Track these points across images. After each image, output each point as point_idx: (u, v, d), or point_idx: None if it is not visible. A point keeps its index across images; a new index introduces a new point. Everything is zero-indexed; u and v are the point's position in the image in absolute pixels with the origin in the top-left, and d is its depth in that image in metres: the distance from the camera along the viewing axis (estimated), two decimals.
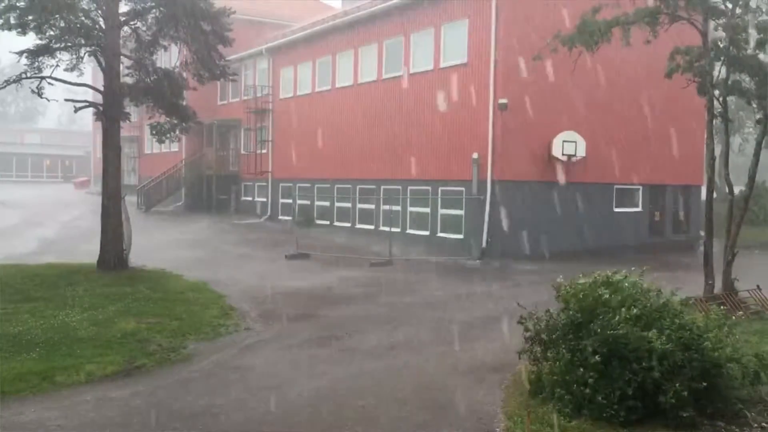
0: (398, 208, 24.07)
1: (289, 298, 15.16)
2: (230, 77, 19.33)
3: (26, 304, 12.98)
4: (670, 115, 23.86)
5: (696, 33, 14.05)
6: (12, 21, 15.92)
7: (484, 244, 20.96)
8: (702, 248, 15.06)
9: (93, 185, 51.00)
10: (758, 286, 13.68)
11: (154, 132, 18.98)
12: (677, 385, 7.07)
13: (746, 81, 14.44)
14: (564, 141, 21.34)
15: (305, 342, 11.42)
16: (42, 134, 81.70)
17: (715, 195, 15.02)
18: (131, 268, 17.36)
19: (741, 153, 33.74)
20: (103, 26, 17.30)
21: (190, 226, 29.08)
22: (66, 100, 18.87)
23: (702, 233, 17.73)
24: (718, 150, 19.94)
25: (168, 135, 18.90)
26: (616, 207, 23.68)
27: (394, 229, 22.42)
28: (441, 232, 22.81)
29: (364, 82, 26.61)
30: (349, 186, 27.14)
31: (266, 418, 7.89)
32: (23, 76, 16.87)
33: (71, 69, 17.45)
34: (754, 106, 15.05)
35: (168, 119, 18.63)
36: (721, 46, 13.91)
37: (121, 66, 18.17)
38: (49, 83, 17.07)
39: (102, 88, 17.74)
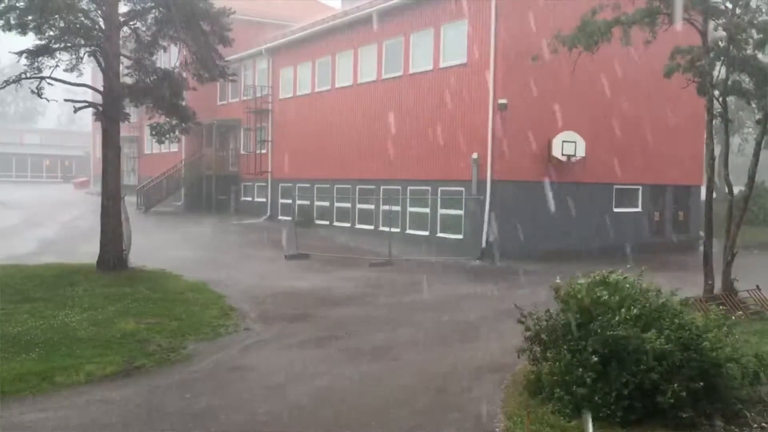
0: (398, 208, 24.07)
1: (288, 298, 15.16)
2: (230, 77, 19.31)
3: (26, 305, 12.98)
4: (670, 116, 23.84)
5: (696, 33, 14.06)
6: (12, 21, 15.91)
7: (483, 245, 20.97)
8: (702, 248, 15.06)
9: (92, 185, 50.98)
10: (758, 286, 13.69)
11: (153, 132, 18.97)
12: (675, 385, 7.07)
13: (746, 81, 14.45)
14: (564, 141, 21.34)
15: (305, 342, 11.42)
16: (41, 134, 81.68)
17: (714, 195, 15.02)
18: (131, 269, 17.35)
19: (741, 153, 33.75)
20: (103, 26, 17.29)
21: (189, 227, 29.08)
22: (66, 100, 18.86)
23: (702, 233, 17.73)
24: (717, 150, 19.93)
25: (167, 135, 18.88)
26: (615, 207, 23.67)
27: (393, 230, 22.41)
28: (441, 232, 22.82)
29: (363, 83, 26.61)
30: (348, 186, 27.15)
31: (266, 419, 7.89)
32: (23, 76, 16.87)
33: (71, 69, 17.44)
34: (754, 106, 15.07)
35: (168, 120, 18.62)
36: (721, 45, 13.91)
37: (121, 66, 18.16)
38: (48, 83, 17.06)
39: (101, 89, 17.73)
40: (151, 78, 17.95)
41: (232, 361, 10.24)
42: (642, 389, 7.22)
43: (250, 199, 34.90)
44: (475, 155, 21.26)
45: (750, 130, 36.23)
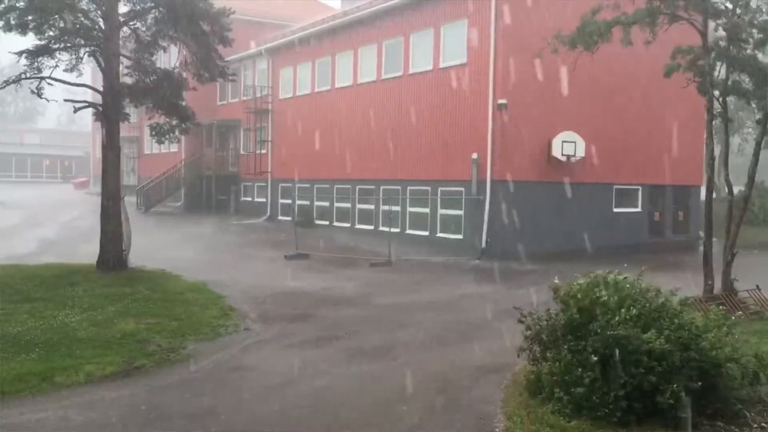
0: (398, 208, 24.07)
1: (288, 298, 15.16)
2: (230, 77, 19.32)
3: (26, 305, 12.98)
4: (670, 116, 23.85)
5: (696, 33, 14.06)
6: (12, 21, 15.91)
7: (483, 245, 20.97)
8: (701, 248, 15.06)
9: (92, 185, 50.98)
10: (757, 286, 13.70)
11: (153, 133, 18.95)
12: (675, 385, 7.07)
13: (746, 81, 14.46)
14: (563, 141, 21.35)
15: (305, 342, 11.42)
16: (41, 134, 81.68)
17: (714, 195, 15.03)
18: (131, 269, 17.34)
19: (740, 153, 33.76)
20: (103, 27, 17.28)
21: (189, 227, 29.07)
22: (65, 100, 18.86)
23: (701, 233, 17.74)
24: (717, 150, 19.94)
25: (167, 136, 18.87)
26: (615, 207, 23.68)
27: (393, 230, 22.41)
28: (440, 232, 22.82)
29: (363, 83, 26.61)
30: (348, 186, 27.15)
31: (266, 418, 7.89)
32: (23, 76, 16.86)
33: (71, 69, 17.44)
34: (754, 106, 15.07)
35: (167, 120, 18.62)
36: (722, 45, 13.91)
37: (121, 66, 18.16)
38: (48, 83, 17.06)
39: (101, 89, 17.73)
40: (151, 78, 17.94)
41: (232, 361, 10.24)
42: (641, 390, 7.22)
43: (249, 199, 34.90)
44: (475, 155, 21.26)
45: (750, 130, 36.24)
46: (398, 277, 18.11)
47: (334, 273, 18.53)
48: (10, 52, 17.87)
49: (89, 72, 31.84)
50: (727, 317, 8.25)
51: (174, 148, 34.91)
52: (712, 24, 14.31)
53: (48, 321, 11.75)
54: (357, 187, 26.67)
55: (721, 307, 9.41)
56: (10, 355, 9.82)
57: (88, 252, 17.70)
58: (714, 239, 14.59)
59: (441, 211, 22.89)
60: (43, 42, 16.60)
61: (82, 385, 8.94)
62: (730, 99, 17.47)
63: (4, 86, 16.95)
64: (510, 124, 20.69)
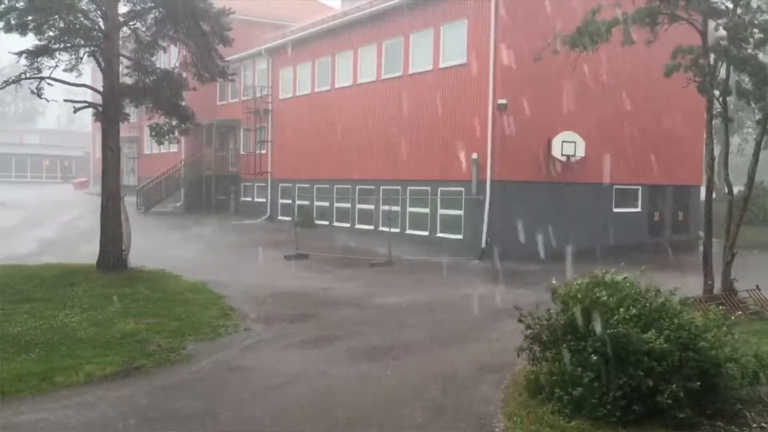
0: (398, 208, 24.07)
1: (288, 298, 15.16)
2: (230, 77, 19.32)
3: (26, 305, 12.98)
4: (670, 116, 23.85)
5: (696, 33, 14.06)
6: (12, 22, 15.91)
7: (483, 245, 20.97)
8: (701, 248, 15.07)
9: (92, 186, 50.96)
10: (757, 286, 13.69)
11: (153, 134, 18.95)
12: (674, 386, 7.07)
13: (746, 81, 14.46)
14: (563, 141, 21.35)
15: (304, 342, 11.41)
16: (41, 135, 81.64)
17: (714, 195, 15.03)
18: (130, 269, 17.35)
19: (740, 153, 33.75)
20: (103, 27, 17.29)
21: (189, 227, 29.07)
22: (65, 100, 18.86)
23: (701, 233, 17.74)
24: (717, 151, 19.93)
25: (167, 136, 18.88)
26: (615, 207, 23.69)
27: (393, 230, 22.42)
28: (440, 232, 22.82)
29: (363, 83, 26.61)
30: (348, 186, 27.15)
31: (266, 419, 7.89)
32: (22, 76, 16.86)
33: (70, 69, 17.42)
34: (754, 106, 15.07)
35: (167, 120, 18.62)
36: (723, 45, 13.91)
37: (121, 66, 18.16)
38: (48, 84, 17.05)
39: (101, 89, 17.73)
40: (151, 78, 17.94)
41: (232, 362, 10.23)
42: (640, 390, 7.22)
43: (249, 199, 34.90)
44: (474, 155, 21.26)
45: (750, 130, 36.24)
46: (398, 277, 18.11)
47: (334, 273, 18.53)
48: (10, 53, 17.87)
49: (89, 72, 31.80)
50: (726, 317, 8.24)
51: (174, 148, 34.89)
52: (712, 24, 14.30)
53: (48, 321, 11.75)
54: (357, 187, 26.67)
55: (720, 307, 9.41)
56: (9, 355, 9.82)
57: (88, 252, 17.70)
58: (714, 239, 14.58)
59: (441, 211, 22.90)
60: (42, 42, 16.60)
61: (82, 386, 8.93)
62: (730, 99, 17.47)
63: (4, 86, 16.94)
64: (510, 124, 20.69)
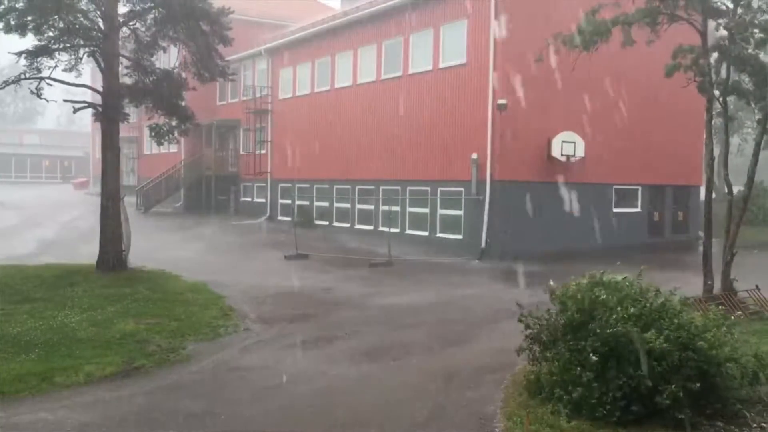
0: (397, 208, 24.08)
1: (288, 298, 15.15)
2: (230, 77, 19.32)
3: (25, 305, 12.98)
4: (670, 116, 23.87)
5: (696, 33, 14.06)
6: (12, 22, 15.90)
7: (483, 245, 20.98)
8: (701, 248, 15.07)
9: (92, 186, 50.96)
10: (757, 286, 13.69)
11: (153, 134, 18.94)
12: (673, 386, 7.07)
13: (746, 81, 14.47)
14: (563, 141, 21.35)
15: (304, 343, 11.41)
16: (41, 135, 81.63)
17: (714, 195, 15.03)
18: (130, 269, 17.34)
19: (740, 154, 33.75)
20: (102, 27, 17.29)
21: (189, 227, 29.06)
22: (65, 100, 18.85)
23: (701, 233, 17.74)
24: (717, 151, 19.95)
25: (167, 137, 18.87)
26: (615, 207, 23.69)
27: (393, 230, 22.42)
28: (440, 232, 22.82)
29: (363, 83, 26.62)
30: (348, 186, 27.15)
31: (266, 419, 7.89)
32: (22, 76, 16.85)
33: (70, 69, 17.41)
34: (754, 106, 15.07)
35: (167, 120, 18.62)
36: (723, 45, 13.91)
37: (120, 66, 18.16)
38: (48, 84, 17.04)
39: (101, 89, 17.73)
40: (151, 78, 17.93)
41: (231, 362, 10.24)
42: (639, 390, 7.22)
43: (249, 199, 34.90)
44: (474, 155, 21.26)
45: (749, 130, 36.26)
46: (398, 278, 18.11)
47: (333, 273, 18.53)
48: (9, 53, 17.86)
49: (89, 72, 31.78)
50: (726, 317, 8.24)
51: (174, 148, 34.85)
52: (712, 24, 14.31)
53: (48, 321, 11.75)
54: (357, 188, 26.67)
55: (720, 307, 9.41)
56: (9, 355, 9.82)
57: (88, 252, 17.70)
58: (714, 239, 14.59)
59: (441, 212, 22.90)
60: (42, 42, 16.59)
61: (81, 386, 8.93)
62: (730, 99, 17.49)
63: (4, 86, 16.94)
64: (510, 124, 20.70)
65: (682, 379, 7.16)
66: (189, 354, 10.48)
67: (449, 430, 7.56)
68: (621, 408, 7.25)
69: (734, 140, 35.53)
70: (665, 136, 24.05)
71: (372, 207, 25.70)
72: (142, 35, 18.00)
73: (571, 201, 21.74)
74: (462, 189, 21.91)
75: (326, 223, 27.96)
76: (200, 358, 10.32)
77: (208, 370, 9.82)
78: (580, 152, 21.64)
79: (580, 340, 7.75)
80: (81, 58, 17.60)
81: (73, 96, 23.40)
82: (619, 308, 7.63)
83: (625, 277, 8.28)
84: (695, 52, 13.87)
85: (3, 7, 15.96)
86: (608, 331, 7.43)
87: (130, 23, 17.88)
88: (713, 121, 14.81)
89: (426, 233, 23.23)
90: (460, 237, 22.02)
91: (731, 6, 13.92)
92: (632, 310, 7.61)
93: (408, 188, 24.15)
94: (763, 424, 7.37)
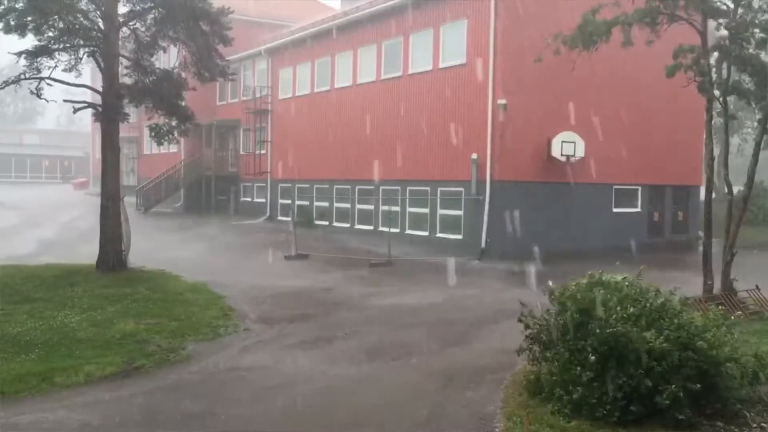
0: (397, 208, 24.07)
1: (288, 299, 15.15)
2: (230, 77, 19.32)
3: (25, 305, 12.99)
4: (669, 116, 23.86)
5: (695, 33, 14.06)
6: (12, 23, 15.90)
7: (483, 245, 20.97)
8: (701, 248, 15.07)
9: (92, 186, 50.96)
10: (757, 286, 13.70)
11: (152, 134, 18.93)
12: (673, 386, 7.07)
13: (746, 81, 14.47)
14: (563, 141, 21.34)
15: (304, 343, 11.41)
16: (41, 135, 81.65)
17: (714, 195, 15.04)
18: (130, 269, 17.35)
19: (740, 153, 33.77)
20: (102, 27, 17.29)
21: (189, 227, 29.05)
22: (65, 101, 18.85)
23: (701, 233, 17.74)
24: (717, 151, 19.95)
25: (167, 137, 18.87)
26: (615, 207, 23.69)
27: (393, 230, 22.42)
28: (440, 232, 22.82)
29: (363, 83, 26.61)
30: (348, 186, 27.14)
31: (266, 419, 7.89)
32: (22, 76, 16.85)
33: (70, 70, 17.42)
34: (754, 106, 15.07)
35: (167, 120, 18.62)
36: (724, 44, 13.90)
37: (120, 66, 18.16)
38: (47, 84, 17.05)
39: (101, 89, 17.73)
40: (151, 78, 17.94)
41: (231, 362, 10.23)
42: (639, 390, 7.22)
43: (249, 199, 34.90)
44: (474, 155, 21.26)
45: (749, 130, 36.28)
46: (398, 278, 18.10)
47: (333, 273, 18.52)
48: (9, 53, 17.86)
49: (88, 72, 31.75)
50: (726, 317, 8.25)
51: (173, 148, 34.75)
52: (712, 24, 14.31)
53: (47, 321, 11.75)
54: (356, 188, 26.67)
55: (720, 307, 9.41)
56: (9, 355, 9.82)
57: (88, 252, 17.70)
58: (714, 239, 14.59)
59: (441, 212, 22.90)
60: (42, 42, 16.60)
61: (81, 386, 8.94)
62: (730, 99, 17.50)
63: (4, 87, 16.95)
64: (510, 125, 20.69)
65: (682, 379, 7.16)
66: (189, 354, 10.48)
67: (449, 430, 7.55)
68: (621, 408, 7.25)
69: (734, 140, 35.57)
70: (665, 136, 24.05)
71: (372, 207, 25.70)
72: (142, 35, 18.00)
73: (571, 201, 21.75)
74: (462, 189, 21.90)
75: (326, 223, 27.95)
76: (200, 358, 10.32)
77: (208, 370, 9.82)
78: (580, 152, 21.63)
79: (579, 340, 7.75)
80: (81, 58, 17.61)
81: (73, 96, 23.41)
82: (618, 308, 7.63)
83: (624, 277, 8.29)
84: (696, 52, 13.87)
85: (3, 7, 15.97)
86: (608, 330, 7.43)
87: (130, 23, 17.88)
88: (713, 121, 14.80)
89: (426, 233, 23.22)
90: (459, 237, 22.01)
91: (731, 6, 13.92)
92: (632, 309, 7.62)
93: (408, 188, 24.14)
94: (763, 424, 7.37)
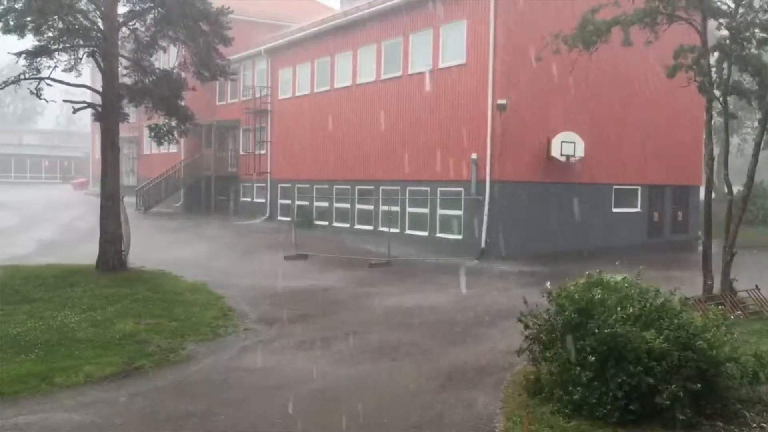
0: (397, 208, 24.08)
1: (288, 299, 15.15)
2: (230, 76, 19.31)
3: (25, 305, 12.97)
4: (669, 116, 23.88)
5: (695, 33, 14.06)
6: (11, 23, 15.89)
7: (483, 245, 20.97)
8: (701, 248, 15.07)
9: (92, 186, 50.98)
10: (757, 286, 13.70)
11: (152, 134, 18.93)
12: (673, 386, 7.06)
13: (746, 81, 14.46)
14: (563, 141, 21.35)
15: (304, 343, 11.41)
16: (40, 135, 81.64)
17: (714, 195, 15.04)
18: (130, 269, 17.34)
19: (740, 153, 33.78)
20: (102, 27, 17.28)
21: (188, 228, 29.07)
22: (64, 101, 18.84)
23: (700, 233, 17.75)
24: (716, 151, 19.95)
25: (166, 137, 18.86)
26: (615, 207, 23.70)
27: (393, 230, 22.42)
28: (440, 232, 22.82)
29: (362, 83, 26.61)
30: (348, 187, 27.14)
31: (266, 419, 7.89)
32: (21, 77, 16.83)
33: (69, 70, 17.40)
34: (755, 106, 15.08)
35: (167, 120, 18.61)
36: (725, 44, 13.90)
37: (120, 67, 18.15)
38: (47, 84, 17.03)
39: (100, 89, 17.73)
40: (150, 78, 17.93)
41: (231, 362, 10.23)
42: (639, 390, 7.22)
43: (249, 199, 34.90)
44: (474, 155, 21.26)
45: (749, 130, 36.28)
46: (398, 278, 18.10)
47: (333, 273, 18.52)
48: (9, 53, 17.86)
49: (88, 72, 31.74)
50: (726, 317, 8.25)
51: (173, 148, 34.64)
52: (713, 24, 14.30)
53: (47, 322, 11.74)
54: (356, 188, 26.67)
55: (720, 306, 9.42)
56: (9, 356, 9.82)
57: (88, 252, 17.69)
58: (713, 239, 14.59)
59: (440, 212, 22.90)
60: (42, 43, 16.58)
61: (81, 386, 8.93)
62: (730, 99, 17.50)
63: (3, 87, 16.93)
64: (509, 124, 20.69)
65: (682, 379, 7.16)
66: (189, 354, 10.47)
67: (449, 430, 7.55)
68: (621, 408, 7.25)
69: (734, 140, 35.56)
70: (665, 136, 24.06)
71: (372, 207, 25.70)
72: (142, 35, 18.00)
73: (570, 201, 21.75)
74: (462, 189, 21.91)
75: (326, 223, 27.96)
76: (200, 358, 10.32)
77: (208, 370, 9.82)
78: (580, 152, 21.64)
79: (579, 340, 7.75)
80: (80, 59, 17.60)
81: (72, 96, 23.36)
82: (618, 308, 7.63)
83: (624, 277, 8.28)
84: (696, 52, 13.87)
85: (2, 7, 15.95)
86: (606, 331, 7.43)
87: (130, 23, 17.88)
88: (713, 121, 14.80)
89: (426, 233, 23.22)
90: (459, 237, 22.02)
91: (732, 6, 13.91)
92: (631, 309, 7.61)
93: (408, 188, 24.15)
94: (763, 424, 7.37)
